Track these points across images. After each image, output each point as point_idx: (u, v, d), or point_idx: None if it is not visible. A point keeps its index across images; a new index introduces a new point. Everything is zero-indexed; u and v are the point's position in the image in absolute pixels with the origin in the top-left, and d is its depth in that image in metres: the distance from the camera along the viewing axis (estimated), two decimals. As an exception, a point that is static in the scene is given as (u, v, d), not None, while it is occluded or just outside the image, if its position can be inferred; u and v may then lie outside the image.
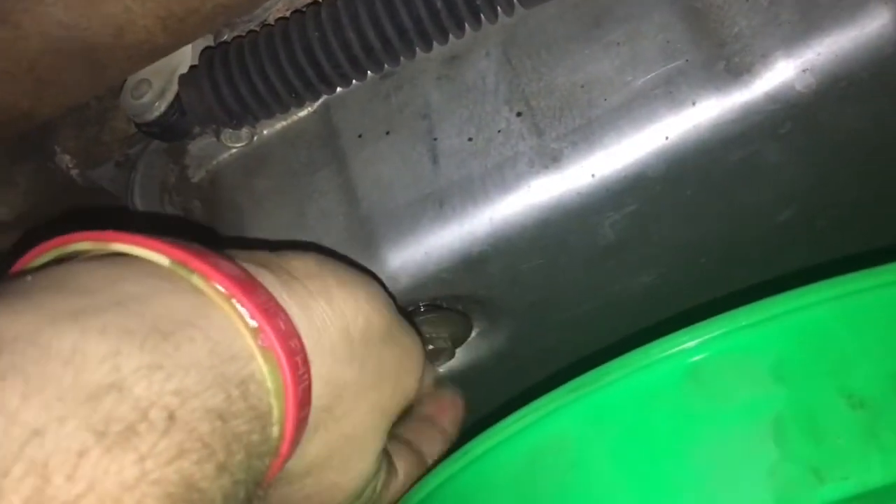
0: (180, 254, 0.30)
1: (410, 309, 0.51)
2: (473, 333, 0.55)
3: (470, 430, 0.43)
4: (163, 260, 0.30)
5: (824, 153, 0.46)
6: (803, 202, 0.49)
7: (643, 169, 0.45)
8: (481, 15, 0.47)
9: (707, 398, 0.34)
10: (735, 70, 0.43)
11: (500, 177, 0.46)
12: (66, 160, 0.54)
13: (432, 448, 0.47)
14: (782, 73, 0.43)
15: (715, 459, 0.33)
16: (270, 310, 0.31)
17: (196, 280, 0.30)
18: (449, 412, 0.48)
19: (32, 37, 0.38)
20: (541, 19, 0.47)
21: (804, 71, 0.42)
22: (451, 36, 0.47)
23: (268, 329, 0.30)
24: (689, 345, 0.35)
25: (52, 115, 0.45)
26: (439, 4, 0.45)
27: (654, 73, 0.44)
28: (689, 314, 0.37)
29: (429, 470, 0.44)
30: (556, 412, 0.37)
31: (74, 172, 0.54)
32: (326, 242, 0.48)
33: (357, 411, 0.37)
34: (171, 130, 0.49)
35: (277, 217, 0.50)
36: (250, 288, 0.31)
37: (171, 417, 0.25)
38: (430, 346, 0.52)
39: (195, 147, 0.52)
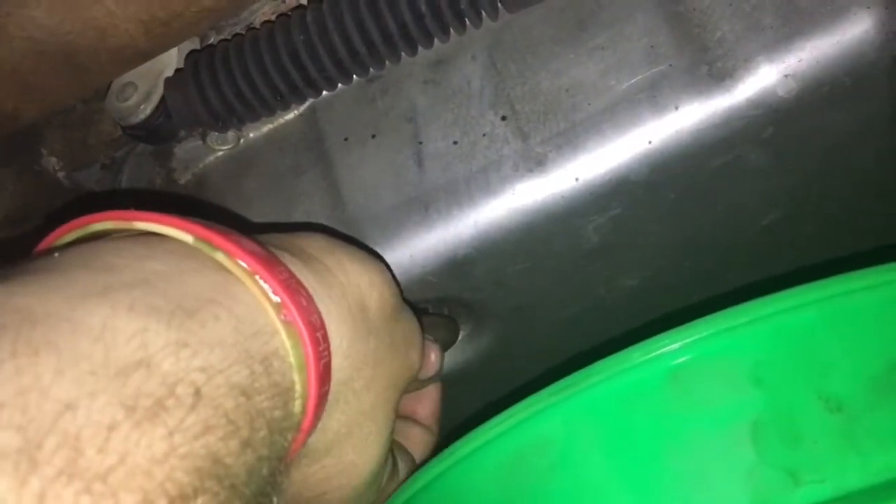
0: (204, 231, 0.31)
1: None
2: (460, 336, 0.55)
3: (457, 431, 0.43)
4: (187, 237, 0.31)
5: (807, 158, 0.47)
6: (787, 206, 0.50)
7: (626, 173, 0.45)
8: (466, 19, 0.47)
9: (687, 401, 0.34)
10: (718, 75, 0.43)
11: (484, 180, 0.46)
12: (52, 163, 0.54)
13: (418, 448, 0.47)
14: (765, 78, 0.43)
15: (694, 461, 0.33)
16: (292, 286, 0.32)
17: (220, 257, 0.31)
18: (427, 404, 0.48)
19: (15, 40, 0.38)
20: (525, 23, 0.47)
21: (786, 76, 0.43)
22: (436, 40, 0.48)
23: (290, 304, 0.31)
24: (670, 348, 0.35)
25: (36, 117, 0.45)
26: (424, 9, 0.45)
27: (637, 78, 0.45)
28: (672, 317, 0.37)
29: (414, 470, 0.45)
30: (539, 414, 0.37)
31: (61, 175, 0.54)
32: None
33: (373, 385, 0.37)
34: (156, 133, 0.49)
35: (263, 219, 0.50)
36: (272, 264, 0.31)
37: (198, 393, 0.26)
38: None
39: (181, 150, 0.52)
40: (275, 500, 0.30)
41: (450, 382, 0.57)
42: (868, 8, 0.42)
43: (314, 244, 0.37)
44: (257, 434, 0.28)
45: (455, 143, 0.47)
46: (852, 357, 0.34)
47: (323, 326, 0.33)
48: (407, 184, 0.48)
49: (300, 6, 0.49)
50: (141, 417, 0.24)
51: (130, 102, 0.47)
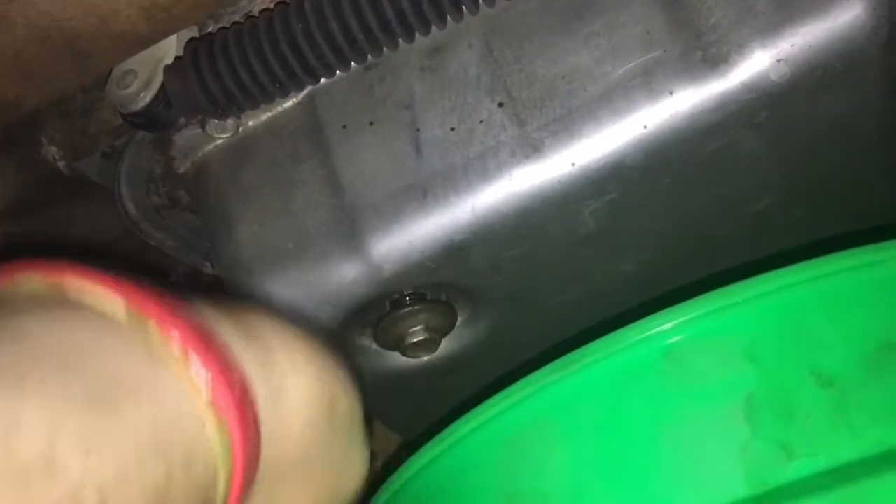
0: (137, 297, 0.28)
1: (395, 298, 0.51)
2: (457, 322, 0.55)
3: (455, 412, 0.43)
4: (118, 306, 0.28)
5: (799, 141, 0.47)
6: (780, 189, 0.50)
7: (622, 158, 0.46)
8: (463, 6, 0.47)
9: (682, 378, 0.35)
10: (712, 60, 0.44)
11: (482, 166, 0.47)
12: (52, 151, 0.54)
13: None
14: (758, 63, 0.43)
15: (689, 437, 0.34)
16: (226, 365, 0.29)
17: (151, 329, 0.28)
18: None
19: (18, 27, 0.39)
20: (522, 10, 0.48)
21: (779, 61, 0.43)
22: (433, 27, 0.48)
23: (220, 387, 0.28)
24: (665, 327, 0.36)
25: (38, 105, 0.45)
26: (421, -4, 0.46)
27: (632, 64, 0.45)
28: (667, 298, 0.38)
29: None
30: (537, 393, 0.38)
31: (61, 164, 0.54)
32: (311, 231, 0.49)
33: (296, 496, 0.34)
34: (156, 121, 0.50)
35: (262, 207, 0.51)
36: (208, 340, 0.29)
37: (104, 501, 0.24)
38: (415, 339, 0.53)
39: (181, 138, 0.53)
40: None
41: (448, 368, 0.58)
42: (859, -7, 0.43)
43: (268, 323, 0.34)
44: None
45: (452, 129, 0.48)
46: (844, 334, 0.35)
47: (256, 418, 0.30)
48: (405, 170, 0.48)
49: (298, -6, 0.49)
50: None
51: (131, 90, 0.48)
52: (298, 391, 0.33)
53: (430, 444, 0.41)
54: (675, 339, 0.36)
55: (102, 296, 0.28)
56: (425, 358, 0.56)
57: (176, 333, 0.28)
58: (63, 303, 0.28)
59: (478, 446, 0.39)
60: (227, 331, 0.30)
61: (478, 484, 0.40)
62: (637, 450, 0.35)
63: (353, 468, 0.37)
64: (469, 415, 0.40)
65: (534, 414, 0.38)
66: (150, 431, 0.26)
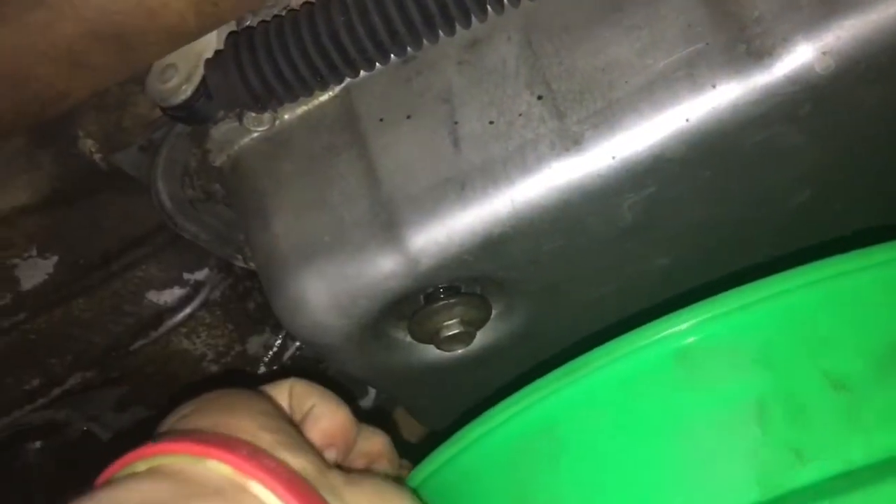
0: (260, 474, 0.34)
1: (429, 291, 0.51)
2: (492, 315, 0.56)
3: (482, 405, 0.43)
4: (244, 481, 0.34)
5: (843, 135, 0.47)
6: (821, 183, 0.50)
7: (663, 151, 0.46)
8: (504, -1, 0.47)
9: (693, 382, 0.34)
10: (756, 53, 0.44)
11: (521, 159, 0.47)
12: (88, 144, 0.54)
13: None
14: (802, 55, 0.43)
15: (700, 442, 0.33)
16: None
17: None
18: (383, 457, 0.49)
19: (68, 19, 0.39)
20: (561, 3, 0.48)
21: (824, 54, 0.43)
22: (473, 19, 0.48)
23: None
24: (675, 330, 0.35)
25: (83, 96, 0.45)
26: (463, -12, 0.46)
27: (674, 56, 0.45)
28: (696, 292, 0.37)
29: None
30: (546, 398, 0.37)
31: (97, 157, 0.54)
32: (347, 224, 0.49)
33: None
34: (196, 114, 0.50)
35: (299, 200, 0.51)
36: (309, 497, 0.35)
37: None
38: (451, 332, 0.53)
39: (217, 131, 0.53)
40: None
41: (481, 361, 0.58)
42: (904, -14, 0.43)
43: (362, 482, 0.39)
44: None
45: (491, 122, 0.48)
46: (857, 336, 0.34)
47: None
48: (443, 163, 0.48)
49: (338, -13, 0.49)
50: None
51: (171, 84, 0.48)
52: None
53: (439, 448, 0.41)
54: (686, 342, 0.35)
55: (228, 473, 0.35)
56: (459, 351, 0.56)
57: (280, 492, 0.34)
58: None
59: (489, 450, 0.39)
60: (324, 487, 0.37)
61: (489, 488, 0.40)
62: (648, 454, 0.34)
63: None
64: (479, 419, 0.40)
65: (544, 418, 0.37)
66: None
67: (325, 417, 0.45)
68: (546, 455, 0.37)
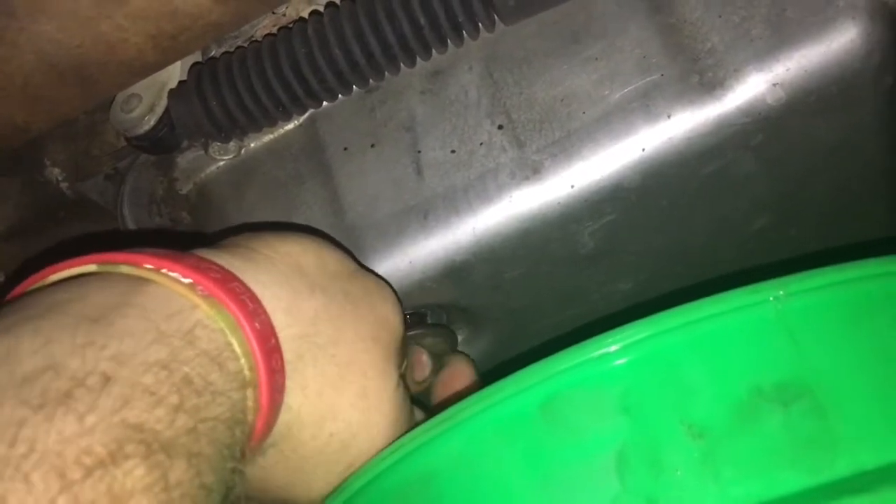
0: (106, 256, 0.34)
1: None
2: (458, 342, 0.56)
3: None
4: (90, 266, 0.34)
5: (794, 164, 0.48)
6: (774, 210, 0.51)
7: (620, 180, 0.46)
8: (463, 31, 0.48)
9: (557, 432, 0.33)
10: (708, 84, 0.45)
11: (482, 188, 0.48)
12: (55, 173, 0.54)
13: None
14: (754, 87, 0.44)
15: (563, 495, 0.33)
16: (202, 267, 0.34)
17: (124, 269, 0.33)
18: (458, 384, 0.49)
19: (27, 54, 0.39)
20: (521, 35, 0.49)
21: (775, 85, 0.44)
22: (434, 51, 0.49)
23: (203, 280, 0.33)
24: (538, 378, 0.34)
25: (44, 129, 0.46)
26: (422, 21, 0.46)
27: (630, 87, 0.46)
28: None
29: None
30: (419, 449, 0.36)
31: (64, 185, 0.54)
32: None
33: (341, 338, 0.39)
34: (160, 144, 0.50)
35: (264, 228, 0.51)
36: (179, 257, 0.34)
37: (108, 378, 0.29)
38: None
39: (184, 160, 0.53)
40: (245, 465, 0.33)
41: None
42: (853, 18, 0.43)
43: (241, 237, 0.39)
44: (188, 400, 0.30)
45: (453, 151, 0.49)
46: (716, 381, 0.33)
47: (248, 290, 0.35)
48: (406, 192, 0.49)
49: (301, 19, 0.50)
50: (50, 410, 0.27)
51: (135, 114, 0.48)
52: (290, 265, 0.38)
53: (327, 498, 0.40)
54: (549, 391, 0.34)
55: (76, 270, 0.34)
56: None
57: (148, 262, 0.33)
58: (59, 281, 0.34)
59: (371, 500, 0.38)
60: (201, 251, 0.36)
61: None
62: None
63: (377, 298, 0.42)
64: (362, 469, 0.39)
65: (417, 470, 0.36)
66: (142, 325, 0.31)
67: None
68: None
